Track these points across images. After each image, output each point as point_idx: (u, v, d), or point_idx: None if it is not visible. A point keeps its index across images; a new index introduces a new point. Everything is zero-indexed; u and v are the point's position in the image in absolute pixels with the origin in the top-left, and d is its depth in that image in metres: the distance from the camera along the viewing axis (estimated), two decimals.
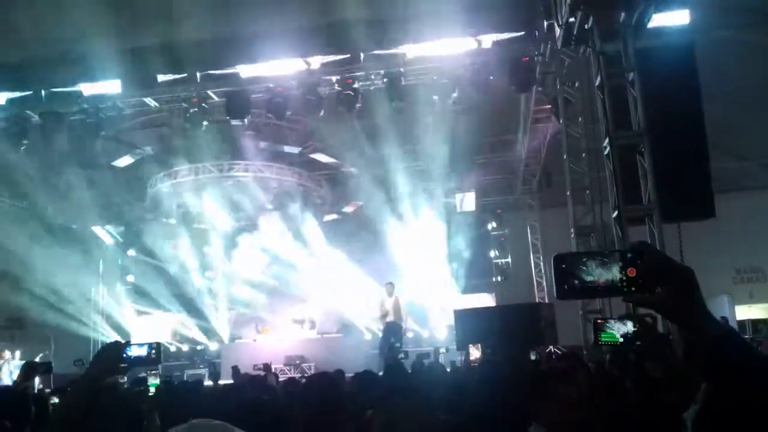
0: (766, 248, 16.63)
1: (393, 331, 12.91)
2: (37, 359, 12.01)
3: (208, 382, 9.97)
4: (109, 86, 12.93)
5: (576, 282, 1.46)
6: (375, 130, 14.28)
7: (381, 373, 7.16)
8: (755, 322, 16.37)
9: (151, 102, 13.82)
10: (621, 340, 2.60)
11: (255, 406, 2.44)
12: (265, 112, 13.58)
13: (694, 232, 9.88)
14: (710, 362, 1.33)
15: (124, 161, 16.92)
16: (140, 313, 19.21)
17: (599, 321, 2.65)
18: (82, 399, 2.17)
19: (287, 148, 17.14)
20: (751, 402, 1.26)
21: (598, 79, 8.92)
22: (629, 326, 2.61)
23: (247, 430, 1.47)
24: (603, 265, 1.45)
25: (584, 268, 1.46)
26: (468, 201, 18.59)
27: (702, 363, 1.37)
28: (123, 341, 2.42)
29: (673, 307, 1.39)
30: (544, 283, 18.11)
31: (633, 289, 1.42)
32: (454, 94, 12.45)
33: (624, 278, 1.43)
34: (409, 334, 17.82)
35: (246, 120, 13.34)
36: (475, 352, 7.18)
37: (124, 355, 2.36)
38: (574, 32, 9.23)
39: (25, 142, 13.67)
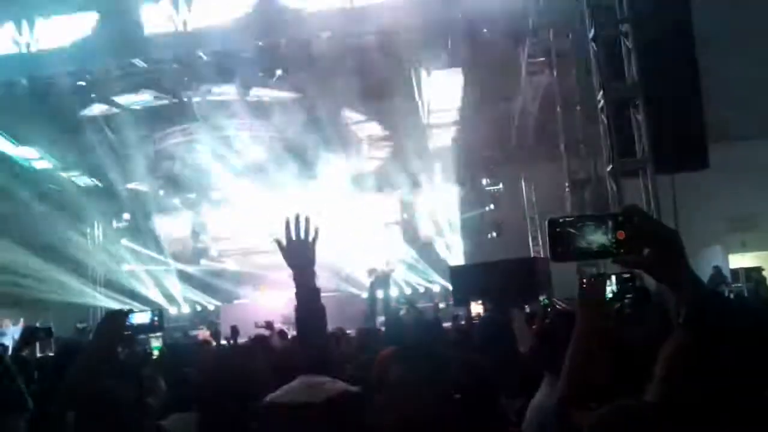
0: (758, 197, 16.70)
1: (380, 283, 13.02)
2: (37, 324, 12.09)
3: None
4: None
5: (569, 245, 1.51)
6: (369, 86, 14.12)
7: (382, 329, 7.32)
8: (748, 270, 16.55)
9: (139, 63, 13.61)
10: (609, 296, 2.64)
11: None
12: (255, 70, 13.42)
13: (687, 182, 9.91)
14: (695, 320, 1.39)
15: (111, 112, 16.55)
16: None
17: (584, 281, 2.70)
18: (90, 369, 2.21)
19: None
20: (736, 358, 1.33)
21: (592, 30, 8.82)
22: (614, 283, 2.66)
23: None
24: (595, 228, 1.50)
25: (577, 231, 1.51)
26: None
27: (686, 320, 1.42)
28: (125, 310, 2.45)
29: (659, 268, 1.44)
30: (539, 238, 18.21)
31: (622, 251, 1.47)
32: (448, 47, 12.32)
33: (614, 241, 1.48)
34: (407, 291, 18.09)
35: (236, 80, 13.22)
36: (476, 308, 7.28)
37: (128, 323, 2.39)
38: None
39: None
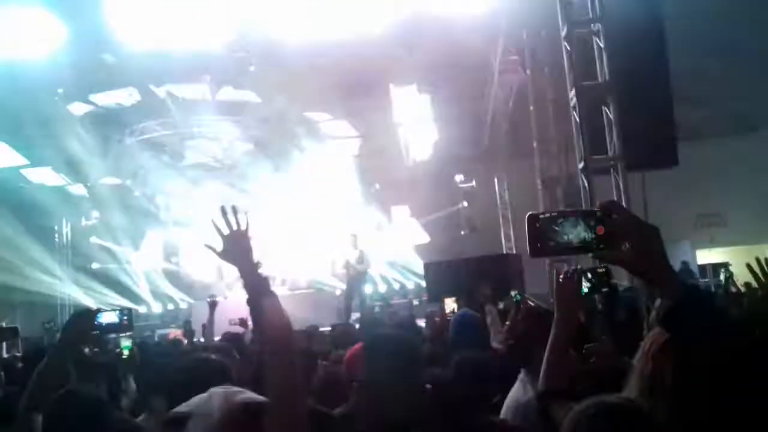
0: (725, 195, 17.03)
1: (357, 282, 13.04)
2: (3, 324, 11.82)
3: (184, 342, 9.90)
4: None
5: (549, 241, 1.50)
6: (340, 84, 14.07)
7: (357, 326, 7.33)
8: (715, 266, 16.93)
9: (109, 59, 13.37)
10: (585, 291, 2.66)
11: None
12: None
13: (657, 179, 10.10)
14: (674, 314, 1.39)
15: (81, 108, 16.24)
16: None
17: (560, 275, 2.71)
18: (57, 369, 2.16)
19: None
20: (710, 353, 1.34)
21: (564, 29, 8.88)
22: (588, 278, 2.68)
23: None
24: (574, 224, 1.49)
25: (556, 227, 1.50)
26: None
27: (665, 315, 1.43)
28: (93, 309, 2.40)
29: (639, 263, 1.44)
30: (512, 234, 18.33)
31: (602, 246, 1.47)
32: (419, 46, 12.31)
33: (594, 236, 1.47)
34: (381, 288, 18.08)
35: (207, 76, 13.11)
36: (450, 305, 7.27)
37: (96, 323, 2.34)
38: None
39: None
